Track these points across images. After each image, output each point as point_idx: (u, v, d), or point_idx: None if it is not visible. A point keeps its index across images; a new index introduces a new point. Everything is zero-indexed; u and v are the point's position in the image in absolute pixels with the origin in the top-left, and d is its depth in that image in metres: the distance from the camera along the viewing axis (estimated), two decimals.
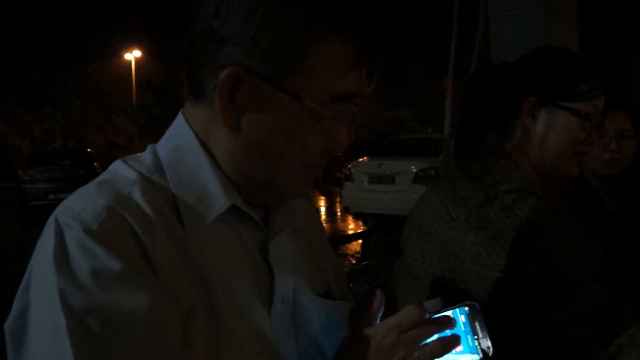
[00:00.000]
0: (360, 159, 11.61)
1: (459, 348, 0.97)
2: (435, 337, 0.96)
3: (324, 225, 12.39)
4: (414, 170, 10.30)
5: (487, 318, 0.98)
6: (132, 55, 41.86)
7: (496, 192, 1.44)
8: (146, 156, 1.00)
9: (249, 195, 0.99)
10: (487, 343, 0.97)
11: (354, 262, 8.95)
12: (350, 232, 11.69)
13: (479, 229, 1.41)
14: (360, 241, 10.89)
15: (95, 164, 17.41)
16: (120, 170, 0.97)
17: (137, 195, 0.90)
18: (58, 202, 0.91)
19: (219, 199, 0.95)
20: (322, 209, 16.11)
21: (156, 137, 1.07)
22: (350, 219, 12.96)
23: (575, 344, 1.31)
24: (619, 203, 2.30)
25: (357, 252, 9.84)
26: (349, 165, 11.57)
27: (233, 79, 0.90)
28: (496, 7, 3.87)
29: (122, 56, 43.38)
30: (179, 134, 1.00)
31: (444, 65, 6.49)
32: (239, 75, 0.90)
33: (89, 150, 21.67)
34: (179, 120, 1.02)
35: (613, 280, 1.56)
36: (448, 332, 0.97)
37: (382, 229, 10.57)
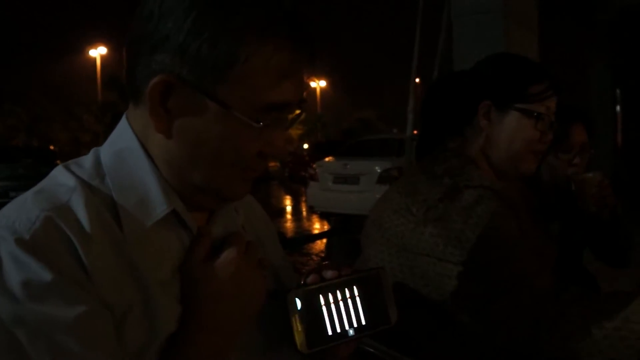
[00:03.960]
0: (326, 159, 11.66)
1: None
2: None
3: (290, 224, 12.43)
4: (379, 170, 10.34)
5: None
6: (98, 52, 41.40)
7: (455, 187, 1.49)
8: (88, 159, 0.98)
9: (190, 198, 0.98)
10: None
11: (317, 261, 8.96)
12: (316, 231, 11.69)
13: (437, 221, 1.45)
14: (325, 240, 10.91)
15: (58, 161, 17.08)
16: (60, 177, 0.95)
17: (76, 203, 0.89)
18: None
19: (159, 204, 0.93)
20: (288, 208, 16.12)
21: None
22: (315, 218, 12.97)
23: (517, 332, 1.35)
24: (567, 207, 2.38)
25: (322, 252, 9.86)
26: (314, 165, 11.60)
27: (163, 86, 0.88)
28: (458, 12, 3.94)
29: (87, 53, 42.92)
30: (122, 137, 0.98)
31: (410, 66, 6.53)
32: (169, 82, 0.88)
33: (52, 147, 21.35)
34: (123, 123, 0.99)
35: (561, 272, 1.64)
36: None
37: (345, 228, 10.59)
